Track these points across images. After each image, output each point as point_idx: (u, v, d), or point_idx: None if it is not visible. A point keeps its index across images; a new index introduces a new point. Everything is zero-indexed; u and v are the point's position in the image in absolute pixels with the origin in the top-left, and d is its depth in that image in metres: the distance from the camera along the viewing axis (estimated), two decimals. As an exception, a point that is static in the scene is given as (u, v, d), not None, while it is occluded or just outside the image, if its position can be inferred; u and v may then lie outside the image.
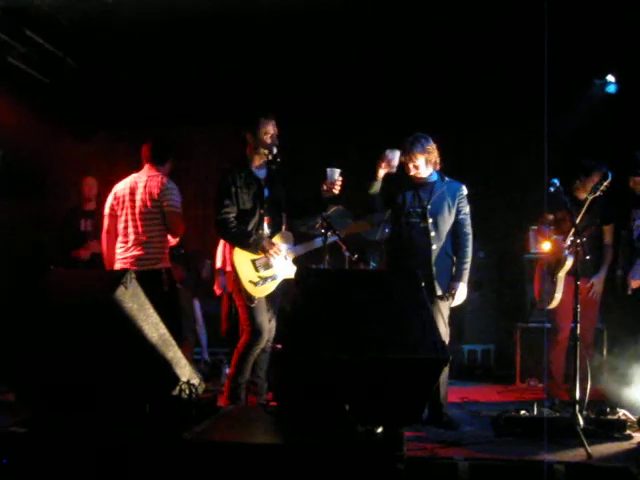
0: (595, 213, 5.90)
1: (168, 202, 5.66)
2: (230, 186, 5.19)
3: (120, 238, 5.73)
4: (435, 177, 5.36)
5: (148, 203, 5.67)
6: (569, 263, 5.55)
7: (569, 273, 5.65)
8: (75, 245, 7.07)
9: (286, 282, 5.33)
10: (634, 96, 6.75)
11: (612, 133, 6.68)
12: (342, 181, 5.20)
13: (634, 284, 5.81)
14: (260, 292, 5.19)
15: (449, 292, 5.24)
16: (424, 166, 5.25)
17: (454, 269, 5.29)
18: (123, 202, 5.74)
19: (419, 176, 5.29)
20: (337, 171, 5.19)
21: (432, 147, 5.25)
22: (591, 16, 5.95)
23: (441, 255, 5.26)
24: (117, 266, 5.67)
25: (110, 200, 5.81)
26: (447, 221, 5.28)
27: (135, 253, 5.65)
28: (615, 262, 6.15)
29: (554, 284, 5.77)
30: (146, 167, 5.84)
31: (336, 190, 5.21)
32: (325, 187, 5.21)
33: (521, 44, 6.06)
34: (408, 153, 5.20)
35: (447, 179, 5.37)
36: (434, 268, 5.20)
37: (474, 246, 7.79)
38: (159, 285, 5.59)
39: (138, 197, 5.70)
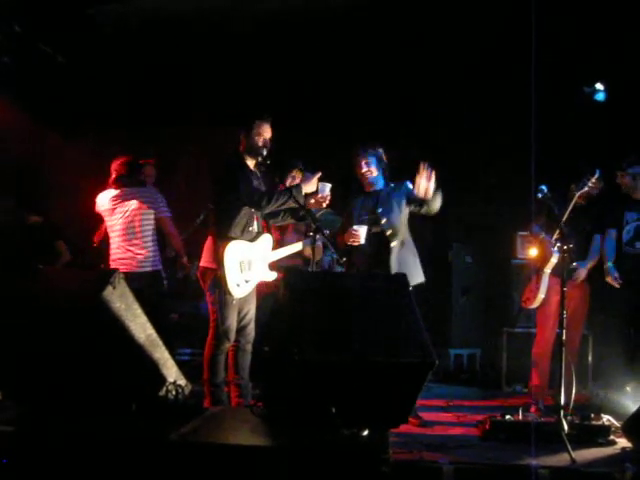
0: (589, 218, 5.94)
1: None
2: (240, 173, 5.21)
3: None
4: (381, 185, 5.67)
5: None
6: (554, 259, 5.60)
7: (555, 273, 5.68)
8: None
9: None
10: (623, 104, 6.78)
11: (602, 141, 6.71)
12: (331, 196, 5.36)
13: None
14: (240, 294, 5.20)
15: None
16: (375, 165, 5.61)
17: None
18: None
19: (370, 175, 5.61)
20: (328, 186, 5.30)
21: (382, 151, 5.66)
22: (581, 24, 5.98)
23: (404, 247, 5.55)
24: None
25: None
26: (400, 215, 5.56)
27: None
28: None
29: (539, 281, 5.81)
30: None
31: (325, 204, 5.38)
32: (314, 200, 5.33)
33: (511, 50, 6.07)
34: (361, 152, 5.61)
35: (392, 184, 5.68)
36: (400, 261, 5.47)
37: (462, 251, 7.91)
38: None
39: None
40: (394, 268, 5.42)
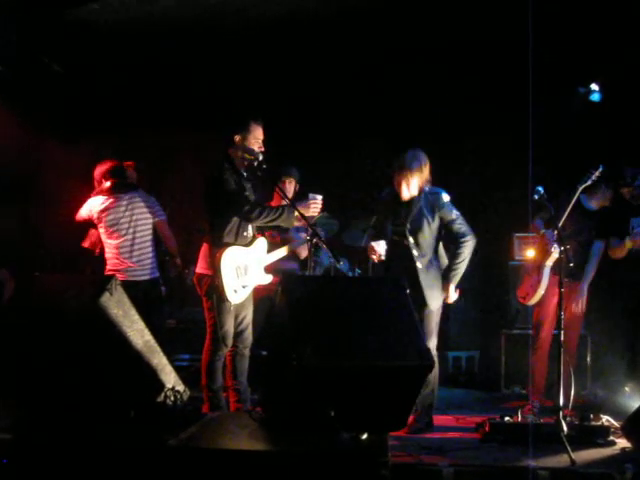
0: (593, 223, 5.92)
1: None
2: (231, 181, 5.17)
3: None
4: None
5: None
6: (556, 254, 5.46)
7: (554, 271, 5.65)
8: None
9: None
10: (619, 104, 6.79)
11: (598, 142, 6.71)
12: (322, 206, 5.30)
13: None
14: (237, 300, 5.20)
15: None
16: (416, 186, 5.19)
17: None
18: None
19: (405, 196, 5.22)
20: (319, 197, 5.25)
21: (426, 165, 5.19)
22: (576, 24, 5.99)
23: (429, 269, 5.23)
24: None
25: None
26: (428, 236, 5.24)
27: None
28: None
29: (540, 276, 5.75)
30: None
31: (317, 213, 5.32)
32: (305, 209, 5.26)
33: (506, 51, 6.09)
34: (404, 168, 5.14)
35: (426, 189, 5.26)
36: (423, 283, 5.15)
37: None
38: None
39: None
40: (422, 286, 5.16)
